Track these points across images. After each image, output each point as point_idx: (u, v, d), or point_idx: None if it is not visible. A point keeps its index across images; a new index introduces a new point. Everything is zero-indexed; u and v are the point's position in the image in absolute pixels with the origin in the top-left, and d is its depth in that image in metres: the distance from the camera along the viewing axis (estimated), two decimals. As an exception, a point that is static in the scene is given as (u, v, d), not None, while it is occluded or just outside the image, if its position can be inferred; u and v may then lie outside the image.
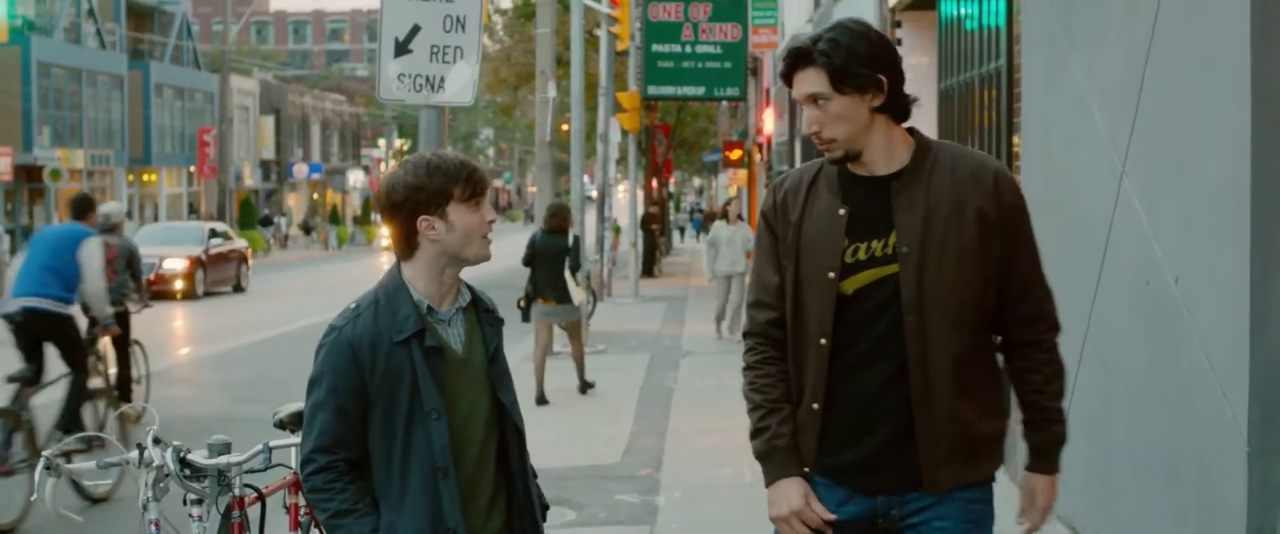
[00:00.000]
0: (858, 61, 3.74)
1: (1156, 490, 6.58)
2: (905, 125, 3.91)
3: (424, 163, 3.90)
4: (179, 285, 31.40)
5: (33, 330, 10.37)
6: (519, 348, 19.45)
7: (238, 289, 34.70)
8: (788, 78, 3.85)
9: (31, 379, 10.10)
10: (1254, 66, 5.41)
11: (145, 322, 22.02)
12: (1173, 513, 6.36)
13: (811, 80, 3.79)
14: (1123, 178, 7.00)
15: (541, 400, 14.48)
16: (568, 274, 14.82)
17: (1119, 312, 7.12)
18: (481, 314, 4.06)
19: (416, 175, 3.88)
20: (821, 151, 3.88)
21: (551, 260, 14.71)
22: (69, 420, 10.21)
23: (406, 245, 3.92)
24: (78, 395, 10.39)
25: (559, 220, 15.00)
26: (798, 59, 3.81)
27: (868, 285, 3.82)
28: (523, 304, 15.01)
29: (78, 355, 10.55)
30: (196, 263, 32.19)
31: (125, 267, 12.79)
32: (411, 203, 3.87)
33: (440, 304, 3.96)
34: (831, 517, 3.87)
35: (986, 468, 3.91)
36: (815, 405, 3.89)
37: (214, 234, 34.24)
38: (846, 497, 3.90)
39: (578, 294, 15.11)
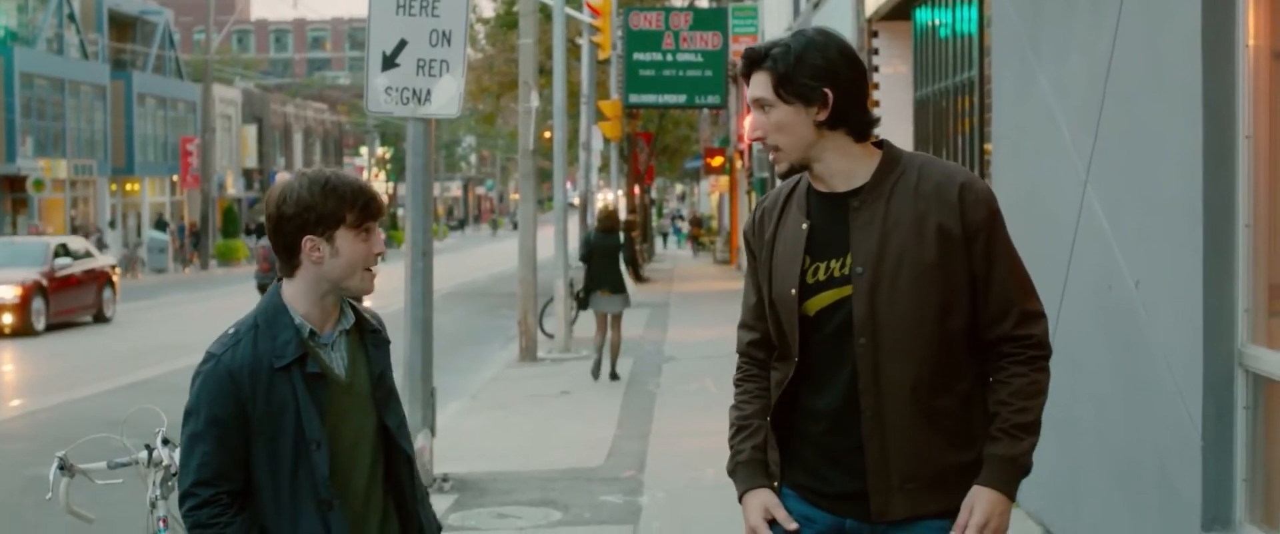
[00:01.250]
0: (805, 72, 3.62)
1: (1119, 486, 6.86)
2: (876, 139, 3.75)
3: (322, 181, 3.73)
4: (7, 319, 25.24)
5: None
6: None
7: (100, 319, 28.25)
8: (745, 79, 3.76)
9: None
10: (1205, 85, 5.70)
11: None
12: (1134, 507, 6.64)
13: (759, 84, 3.69)
14: (1086, 186, 7.27)
15: (599, 375, 16.90)
16: (622, 267, 17.12)
17: (1084, 315, 7.40)
18: (366, 336, 3.91)
19: (311, 192, 3.71)
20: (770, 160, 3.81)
21: (607, 256, 16.98)
22: None
23: (288, 262, 3.77)
24: None
25: (612, 221, 17.28)
26: (751, 62, 3.72)
27: (827, 307, 3.70)
28: (581, 295, 17.26)
29: None
30: (34, 289, 25.75)
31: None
32: (299, 220, 3.71)
33: (322, 328, 3.80)
34: (794, 527, 3.78)
35: (945, 500, 3.67)
36: (770, 421, 3.84)
37: (64, 251, 27.65)
38: (814, 512, 3.80)
39: (631, 285, 17.43)
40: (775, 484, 3.84)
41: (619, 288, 16.98)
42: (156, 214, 58.20)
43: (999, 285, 3.65)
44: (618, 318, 17.12)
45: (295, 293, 3.78)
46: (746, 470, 3.86)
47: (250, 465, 3.71)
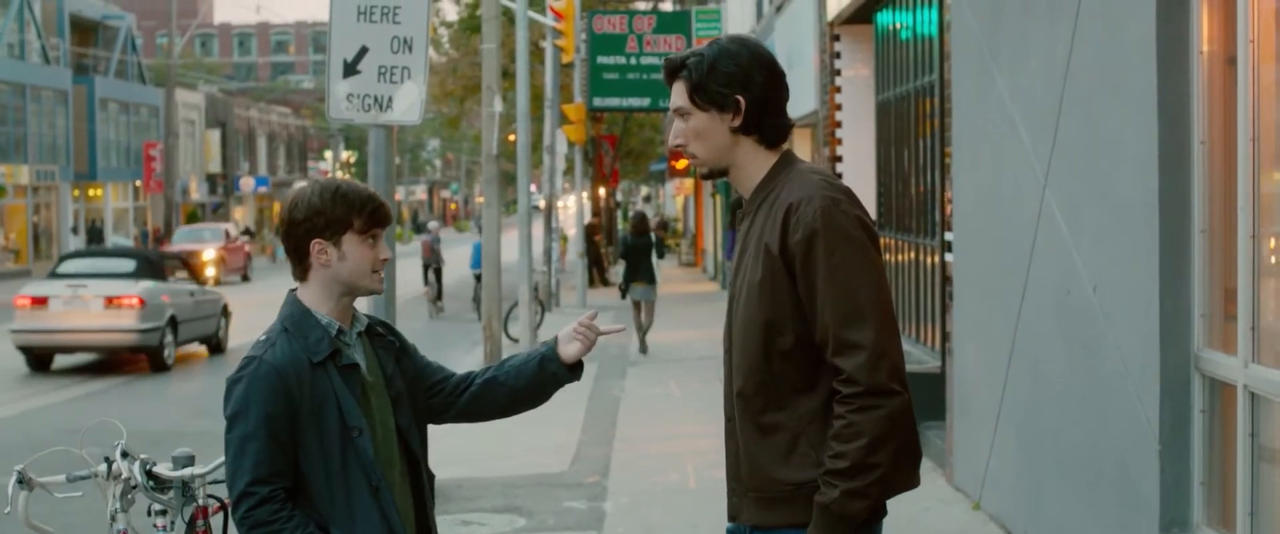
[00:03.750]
0: (718, 79, 3.67)
1: (1078, 488, 6.90)
2: (784, 149, 3.80)
3: (333, 188, 3.93)
4: None
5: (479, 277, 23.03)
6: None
7: None
8: (668, 88, 3.85)
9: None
10: (1160, 91, 5.74)
11: None
12: (1094, 509, 6.68)
13: (677, 93, 3.76)
14: (1045, 190, 7.31)
15: (644, 350, 20.39)
16: (654, 262, 21.26)
17: (1043, 319, 7.43)
18: (376, 339, 4.07)
19: (321, 199, 3.90)
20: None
21: (641, 254, 21.00)
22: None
23: (299, 266, 3.95)
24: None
25: (644, 226, 21.79)
26: (669, 72, 3.79)
27: None
28: (622, 286, 21.43)
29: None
30: None
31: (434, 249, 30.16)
32: (309, 224, 3.89)
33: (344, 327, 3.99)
34: None
35: (785, 515, 3.62)
36: None
37: None
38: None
39: (660, 277, 21.93)
40: None
41: (651, 279, 20.94)
42: (91, 221, 57.33)
43: (819, 310, 3.53)
44: (651, 303, 20.97)
45: (313, 297, 3.95)
46: None
47: (299, 462, 3.82)
